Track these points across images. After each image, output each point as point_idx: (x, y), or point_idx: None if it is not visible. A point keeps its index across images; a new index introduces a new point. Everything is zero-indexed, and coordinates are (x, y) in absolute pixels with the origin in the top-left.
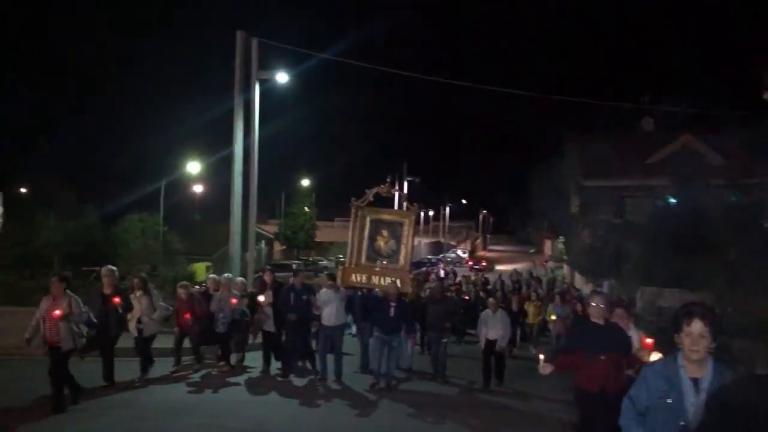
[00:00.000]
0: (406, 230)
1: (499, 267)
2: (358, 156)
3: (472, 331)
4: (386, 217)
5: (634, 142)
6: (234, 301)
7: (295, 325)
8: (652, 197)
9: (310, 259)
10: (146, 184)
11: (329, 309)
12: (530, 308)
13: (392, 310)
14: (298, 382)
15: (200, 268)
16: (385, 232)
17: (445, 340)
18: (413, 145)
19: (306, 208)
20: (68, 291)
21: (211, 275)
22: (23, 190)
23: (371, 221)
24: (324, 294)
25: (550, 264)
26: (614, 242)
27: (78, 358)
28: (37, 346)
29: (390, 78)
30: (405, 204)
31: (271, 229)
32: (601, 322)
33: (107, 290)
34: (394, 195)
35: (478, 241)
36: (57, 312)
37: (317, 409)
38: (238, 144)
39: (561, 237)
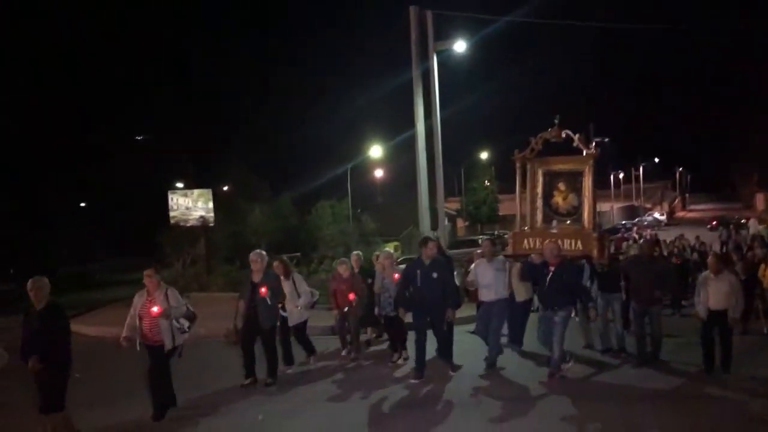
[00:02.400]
0: (587, 179)
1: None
2: (539, 122)
3: (685, 302)
4: (560, 166)
5: None
6: (397, 275)
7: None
8: None
9: (495, 233)
10: (330, 170)
11: (485, 282)
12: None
13: (549, 278)
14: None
15: (390, 248)
16: (561, 186)
17: (656, 312)
18: (599, 107)
19: (486, 182)
20: (163, 283)
21: (355, 252)
22: (225, 188)
23: (544, 174)
24: (477, 266)
25: (753, 222)
26: None
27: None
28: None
29: (571, 35)
30: (581, 148)
31: (452, 205)
32: None
33: (256, 278)
34: (566, 139)
35: (677, 201)
36: (155, 310)
37: (455, 407)
38: (419, 121)
39: None
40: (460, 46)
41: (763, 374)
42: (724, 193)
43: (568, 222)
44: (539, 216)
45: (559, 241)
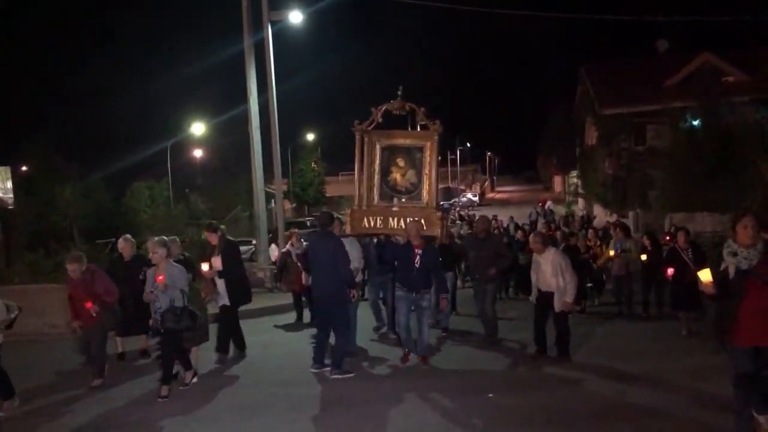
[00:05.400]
0: (428, 156)
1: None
2: (363, 105)
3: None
4: (401, 141)
5: (650, 66)
6: (160, 278)
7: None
8: (673, 121)
9: None
10: (146, 149)
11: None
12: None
13: (418, 260)
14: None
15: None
16: (401, 161)
17: (491, 291)
18: (420, 89)
19: (313, 164)
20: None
21: (125, 236)
22: (24, 168)
23: (382, 149)
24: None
25: (549, 204)
26: (638, 170)
27: None
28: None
29: (391, 17)
30: (422, 123)
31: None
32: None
33: None
34: (409, 112)
35: (486, 183)
36: None
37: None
38: (253, 96)
39: (573, 172)
40: (295, 17)
41: (605, 355)
42: (528, 175)
43: (404, 200)
44: (376, 193)
45: (401, 220)
